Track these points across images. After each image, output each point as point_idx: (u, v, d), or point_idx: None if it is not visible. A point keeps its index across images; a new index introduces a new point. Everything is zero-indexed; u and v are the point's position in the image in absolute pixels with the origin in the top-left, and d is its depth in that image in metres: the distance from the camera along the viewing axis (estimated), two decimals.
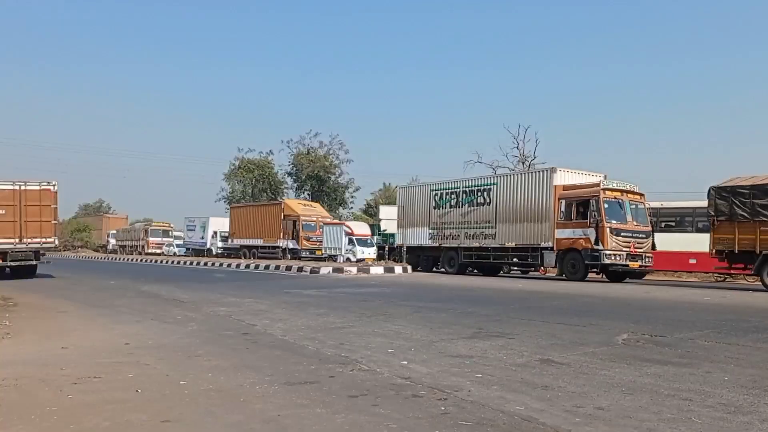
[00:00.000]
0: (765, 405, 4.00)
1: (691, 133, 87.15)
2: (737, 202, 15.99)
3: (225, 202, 56.03)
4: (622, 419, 3.65)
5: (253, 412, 3.82)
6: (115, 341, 6.67)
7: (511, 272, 25.83)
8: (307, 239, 33.89)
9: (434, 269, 25.07)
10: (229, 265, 28.83)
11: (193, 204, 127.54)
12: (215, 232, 42.75)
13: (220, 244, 41.99)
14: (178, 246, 47.91)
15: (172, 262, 35.36)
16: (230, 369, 5.15)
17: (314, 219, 34.78)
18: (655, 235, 20.46)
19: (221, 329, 7.62)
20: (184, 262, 34.23)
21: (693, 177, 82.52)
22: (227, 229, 40.75)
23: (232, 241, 39.62)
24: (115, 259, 46.49)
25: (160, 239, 50.35)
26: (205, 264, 31.28)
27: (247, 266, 27.32)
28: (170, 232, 51.36)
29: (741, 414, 3.78)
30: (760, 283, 16.28)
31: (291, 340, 6.73)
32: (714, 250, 16.71)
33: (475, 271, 24.28)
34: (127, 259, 43.82)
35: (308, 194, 54.75)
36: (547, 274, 23.79)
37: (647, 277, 22.35)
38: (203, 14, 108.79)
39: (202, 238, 43.81)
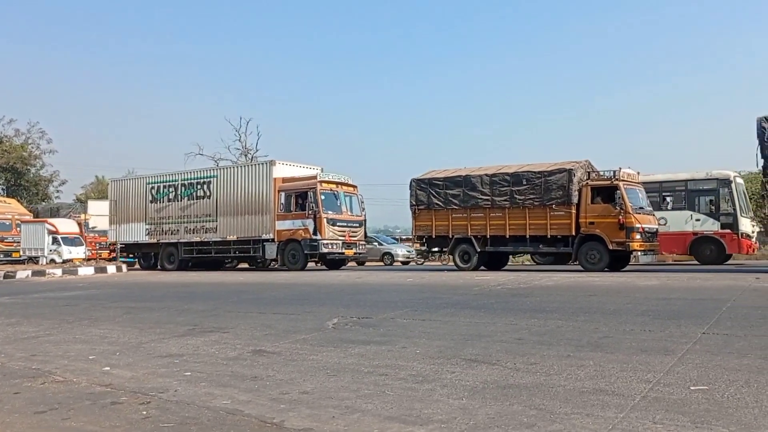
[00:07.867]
0: (447, 372, 4.50)
1: (394, 128, 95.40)
2: (434, 192, 17.93)
3: None
4: (325, 400, 3.83)
5: None
6: None
7: (238, 266, 25.73)
8: (1, 240, 29.94)
9: (152, 266, 23.88)
10: None
11: None
12: None
13: None
14: None
15: None
16: None
17: (9, 217, 30.85)
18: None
19: None
20: None
21: (398, 169, 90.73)
22: None
23: None
24: None
25: None
26: None
27: None
28: None
29: (427, 382, 4.21)
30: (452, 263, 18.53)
31: None
32: (416, 236, 18.57)
33: (200, 266, 23.66)
34: None
35: (2, 189, 48.31)
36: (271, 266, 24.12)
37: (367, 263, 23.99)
38: None
39: None
